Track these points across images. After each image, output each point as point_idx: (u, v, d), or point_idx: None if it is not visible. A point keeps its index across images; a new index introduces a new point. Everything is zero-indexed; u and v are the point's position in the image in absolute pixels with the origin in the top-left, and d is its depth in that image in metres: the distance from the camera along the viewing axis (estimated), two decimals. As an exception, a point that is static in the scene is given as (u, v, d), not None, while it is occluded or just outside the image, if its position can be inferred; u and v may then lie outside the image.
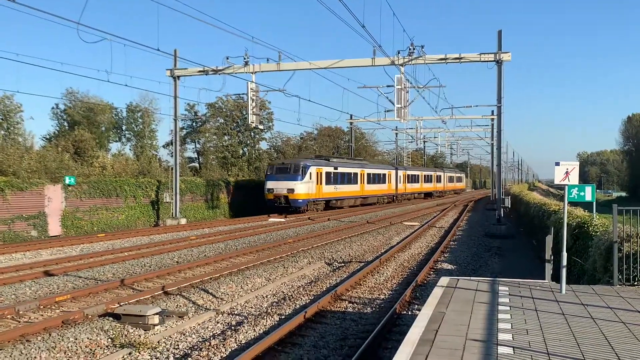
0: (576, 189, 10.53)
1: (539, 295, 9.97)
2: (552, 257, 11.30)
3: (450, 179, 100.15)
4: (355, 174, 55.43)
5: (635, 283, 10.75)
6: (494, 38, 34.62)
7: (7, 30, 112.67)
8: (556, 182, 10.34)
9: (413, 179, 75.95)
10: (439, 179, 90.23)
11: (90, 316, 12.55)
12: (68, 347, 10.60)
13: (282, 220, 40.36)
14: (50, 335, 11.16)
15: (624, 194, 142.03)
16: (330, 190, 49.99)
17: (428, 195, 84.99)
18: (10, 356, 9.95)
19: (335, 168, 50.93)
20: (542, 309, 8.97)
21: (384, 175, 64.32)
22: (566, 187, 10.43)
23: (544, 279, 11.34)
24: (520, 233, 35.08)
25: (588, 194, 10.63)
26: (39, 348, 10.39)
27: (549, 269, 11.29)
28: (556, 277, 10.97)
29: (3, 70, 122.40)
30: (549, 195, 75.30)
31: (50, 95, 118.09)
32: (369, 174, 59.05)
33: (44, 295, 15.10)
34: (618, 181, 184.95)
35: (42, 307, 13.59)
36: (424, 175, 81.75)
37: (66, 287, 16.16)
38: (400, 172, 70.54)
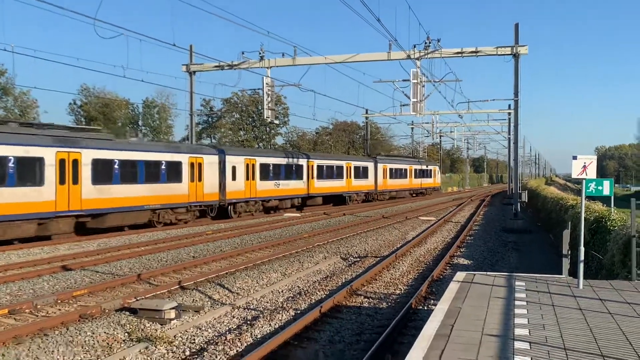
0: (594, 183, 10.46)
1: (556, 291, 9.89)
2: (570, 252, 11.22)
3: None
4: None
5: (654, 278, 10.64)
6: (511, 31, 34.39)
7: (25, 26, 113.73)
8: (574, 176, 10.24)
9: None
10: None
11: (107, 310, 12.62)
12: (85, 341, 10.68)
13: (298, 215, 40.40)
14: (67, 329, 11.24)
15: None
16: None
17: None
18: (29, 350, 10.04)
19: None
20: (559, 304, 8.90)
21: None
22: (584, 181, 10.36)
23: (561, 274, 11.25)
24: (538, 228, 34.83)
25: (606, 188, 10.55)
26: (57, 342, 10.46)
27: (566, 263, 11.21)
28: (573, 272, 10.89)
29: (21, 66, 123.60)
30: (566, 189, 74.53)
31: (67, 91, 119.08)
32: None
33: (62, 289, 15.22)
34: (636, 175, 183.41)
35: (59, 301, 13.69)
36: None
37: (83, 282, 16.29)
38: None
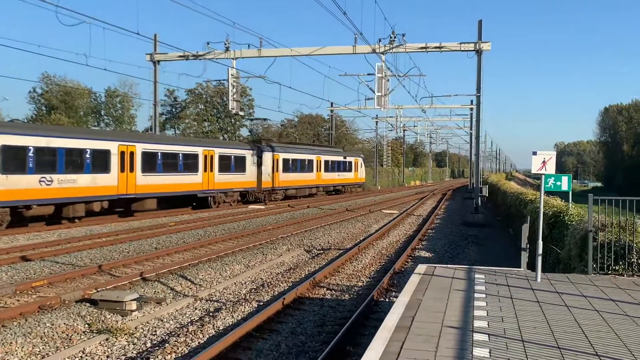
0: (553, 178, 10.68)
1: (514, 283, 10.11)
2: (528, 246, 11.46)
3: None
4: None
5: (609, 272, 10.92)
6: (475, 27, 34.91)
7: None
8: (533, 171, 10.44)
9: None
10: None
11: (67, 302, 12.47)
12: (44, 333, 10.55)
13: (262, 207, 40.31)
14: (26, 320, 11.09)
15: (599, 184, 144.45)
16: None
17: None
18: (-14, 341, 9.87)
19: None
20: (517, 296, 9.09)
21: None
22: (543, 176, 10.56)
23: (520, 267, 11.49)
24: (497, 222, 35.42)
25: (564, 183, 10.78)
26: (15, 333, 10.31)
27: (524, 257, 11.43)
28: (532, 266, 11.12)
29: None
30: (526, 184, 76.07)
31: (27, 78, 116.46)
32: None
33: (21, 280, 14.97)
34: (594, 171, 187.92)
35: (18, 292, 13.48)
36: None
37: (43, 273, 16.04)
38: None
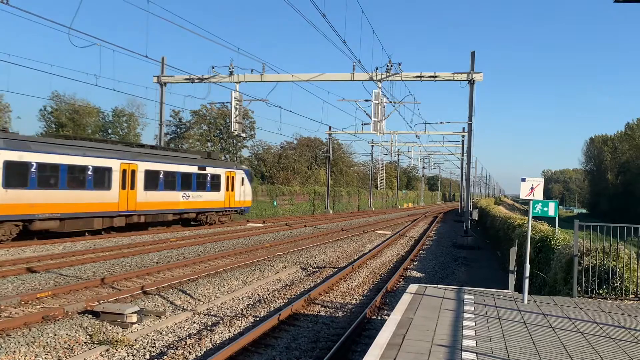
0: (540, 204, 11.09)
1: (502, 304, 10.39)
2: (516, 268, 11.75)
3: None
4: None
5: (593, 295, 11.23)
6: (468, 56, 35.70)
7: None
8: (522, 197, 10.75)
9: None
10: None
11: (70, 313, 12.78)
12: (47, 343, 10.83)
13: (261, 225, 40.65)
14: (30, 330, 11.38)
15: (584, 210, 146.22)
16: None
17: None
18: (-9, 350, 10.16)
19: None
20: (505, 317, 9.36)
21: None
22: (531, 202, 10.90)
23: (508, 289, 11.78)
24: (486, 245, 35.85)
25: (551, 209, 11.19)
26: (19, 342, 10.59)
27: (512, 279, 11.73)
28: (519, 288, 11.41)
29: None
30: (514, 209, 76.72)
31: (39, 96, 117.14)
32: None
33: (26, 291, 15.29)
34: (579, 198, 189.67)
35: (23, 302, 13.80)
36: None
37: (47, 284, 16.36)
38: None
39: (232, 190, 40.84)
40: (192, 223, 38.51)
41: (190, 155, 38.86)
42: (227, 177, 40.37)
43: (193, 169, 36.78)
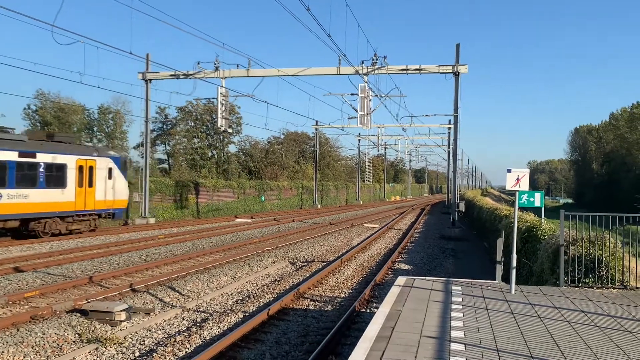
0: (526, 194, 11.14)
1: (489, 295, 10.49)
2: (503, 259, 11.85)
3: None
4: None
5: (580, 284, 11.35)
6: (453, 49, 35.77)
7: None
8: (508, 188, 10.85)
9: None
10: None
11: (58, 312, 12.74)
12: (36, 342, 10.79)
13: (249, 220, 40.65)
14: (18, 330, 11.34)
15: (570, 200, 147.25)
16: None
17: None
18: (-21, 350, 10.10)
19: None
20: (492, 308, 9.46)
21: None
22: (517, 193, 10.98)
23: (495, 280, 11.90)
24: (473, 236, 36.06)
25: (537, 200, 11.24)
26: (7, 343, 10.55)
27: (499, 270, 11.85)
28: (506, 278, 11.54)
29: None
30: (500, 200, 77.15)
31: (23, 95, 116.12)
32: None
33: (13, 291, 15.22)
34: (565, 189, 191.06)
35: (10, 302, 13.74)
36: None
37: (35, 284, 16.29)
38: None
39: (91, 185, 29.92)
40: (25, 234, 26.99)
41: (6, 136, 26.17)
42: (80, 167, 29.20)
43: (7, 156, 25.23)
